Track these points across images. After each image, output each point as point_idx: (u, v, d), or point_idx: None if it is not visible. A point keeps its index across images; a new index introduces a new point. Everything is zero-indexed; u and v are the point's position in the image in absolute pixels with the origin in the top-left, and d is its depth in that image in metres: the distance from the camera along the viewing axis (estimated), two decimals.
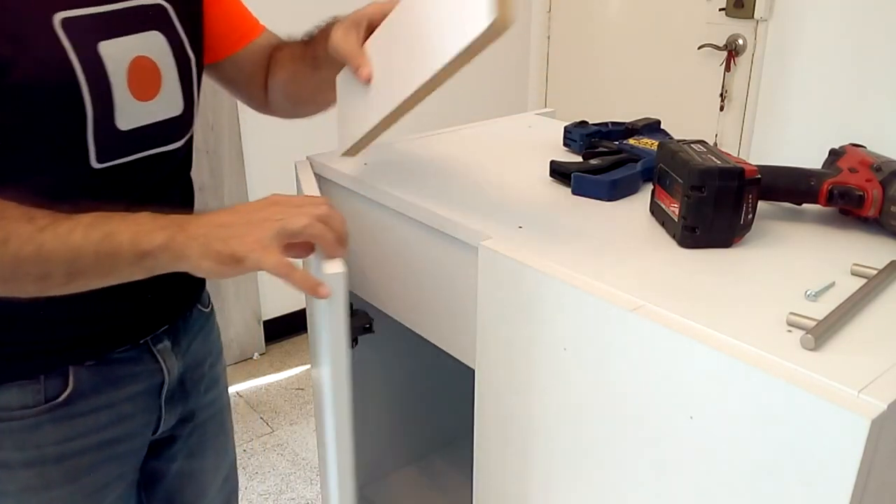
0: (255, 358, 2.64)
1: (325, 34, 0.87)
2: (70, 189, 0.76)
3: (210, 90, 2.32)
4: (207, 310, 1.00)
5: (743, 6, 2.27)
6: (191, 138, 0.89)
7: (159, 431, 0.93)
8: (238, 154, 2.43)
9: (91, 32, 0.73)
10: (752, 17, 2.25)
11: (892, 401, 0.49)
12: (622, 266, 0.70)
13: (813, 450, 0.51)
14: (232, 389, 2.47)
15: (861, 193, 0.76)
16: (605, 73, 2.77)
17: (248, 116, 2.37)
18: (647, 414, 0.62)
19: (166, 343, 0.89)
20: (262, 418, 2.33)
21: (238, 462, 2.12)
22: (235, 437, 2.19)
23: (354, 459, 0.78)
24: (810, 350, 0.55)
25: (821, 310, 0.59)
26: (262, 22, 1.01)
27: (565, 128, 1.05)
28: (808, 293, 0.63)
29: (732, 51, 2.35)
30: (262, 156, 2.49)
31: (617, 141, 1.00)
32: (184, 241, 0.66)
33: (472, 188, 0.91)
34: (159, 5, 0.81)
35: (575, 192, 0.88)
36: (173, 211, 0.70)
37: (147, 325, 0.87)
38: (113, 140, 0.77)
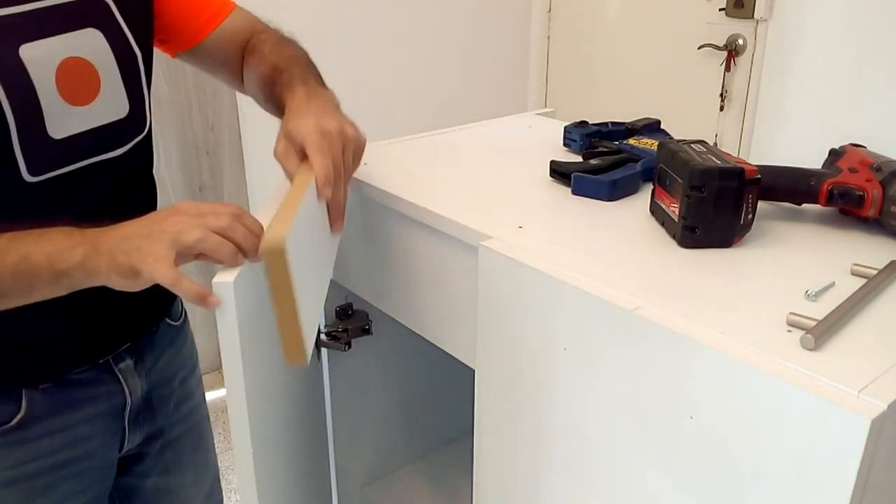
0: None
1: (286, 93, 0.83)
2: (3, 206, 0.71)
3: (210, 90, 2.33)
4: (178, 323, 0.96)
5: (743, 6, 2.26)
6: (145, 140, 0.83)
7: (124, 449, 0.89)
8: (238, 154, 2.43)
9: (10, 35, 0.68)
10: (752, 17, 2.25)
11: (892, 401, 0.49)
12: (622, 266, 0.70)
13: (813, 450, 0.51)
14: None
15: (861, 193, 0.76)
16: (605, 73, 2.77)
17: (248, 116, 2.37)
18: (647, 414, 0.62)
19: (129, 362, 0.85)
20: None
21: None
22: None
23: (354, 459, 0.78)
24: (810, 350, 0.55)
25: (821, 310, 0.59)
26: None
27: (565, 128, 1.05)
28: (808, 293, 0.63)
29: (732, 51, 2.34)
30: (262, 156, 2.49)
31: (617, 141, 0.99)
32: (94, 257, 0.64)
33: (472, 188, 0.91)
34: (102, 3, 0.75)
35: (575, 192, 0.88)
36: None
37: (107, 344, 0.83)
38: (45, 150, 0.71)
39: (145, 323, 0.89)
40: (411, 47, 2.68)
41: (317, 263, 0.75)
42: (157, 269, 0.62)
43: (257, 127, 2.42)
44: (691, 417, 0.58)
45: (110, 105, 0.76)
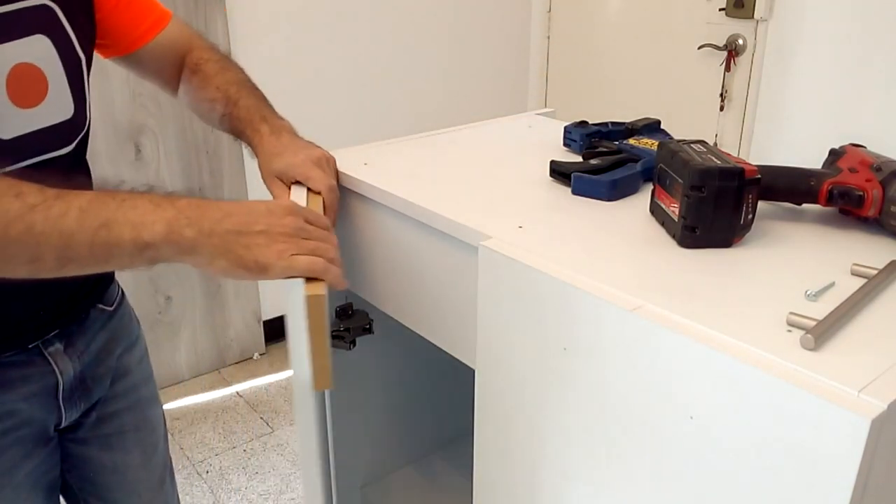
0: (255, 358, 2.64)
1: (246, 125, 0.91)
2: None
3: None
4: (112, 307, 0.97)
5: (743, 6, 2.27)
6: (84, 140, 0.86)
7: (63, 425, 0.92)
8: (238, 154, 2.43)
9: None
10: (752, 17, 2.25)
11: (892, 401, 0.49)
12: (622, 266, 0.70)
13: (813, 450, 0.51)
14: (232, 389, 2.47)
15: (861, 193, 0.76)
16: (605, 73, 2.77)
17: None
18: (647, 414, 0.62)
19: (58, 346, 0.88)
20: (262, 418, 2.33)
21: (238, 462, 2.12)
22: (235, 437, 2.18)
23: (354, 459, 0.78)
24: (810, 350, 0.55)
25: (821, 310, 0.59)
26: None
27: (565, 128, 1.05)
28: (808, 293, 0.63)
29: (732, 51, 2.35)
30: None
31: (617, 141, 0.99)
32: (194, 238, 0.65)
33: (472, 188, 0.91)
34: (45, 6, 0.77)
35: (575, 192, 0.88)
36: None
37: (36, 331, 0.85)
38: None
39: (74, 312, 0.91)
40: (411, 47, 2.68)
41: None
42: (295, 265, 0.68)
43: None
44: (691, 417, 0.58)
45: (56, 107, 0.79)
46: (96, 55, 0.91)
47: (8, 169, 0.75)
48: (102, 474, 1.00)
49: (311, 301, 0.66)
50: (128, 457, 1.01)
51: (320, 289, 0.66)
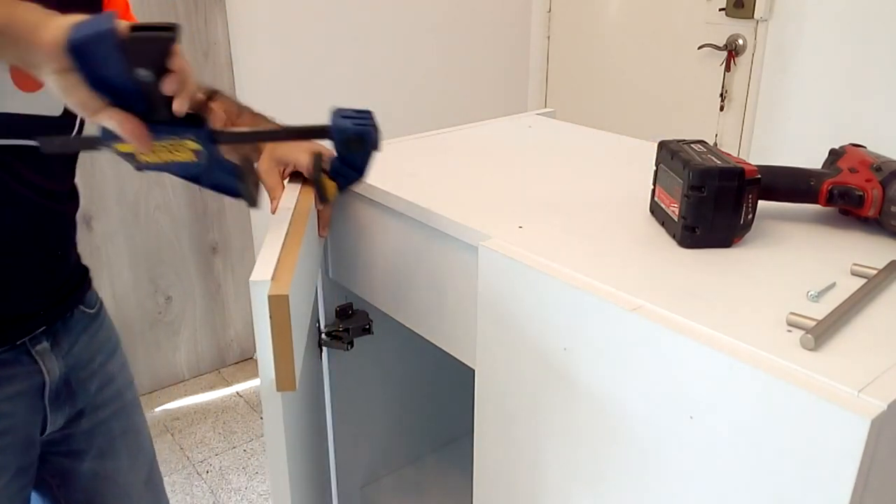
0: (254, 358, 2.64)
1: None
2: None
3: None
4: (93, 311, 0.99)
5: (743, 6, 2.26)
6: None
7: (48, 430, 0.93)
8: None
9: None
10: (752, 17, 2.25)
11: (892, 401, 0.49)
12: (622, 266, 0.70)
13: (813, 450, 0.51)
14: (232, 389, 2.47)
15: (861, 193, 0.76)
16: (605, 73, 2.77)
17: None
18: (647, 414, 0.62)
19: (45, 344, 0.89)
20: (262, 418, 2.33)
21: (238, 462, 2.12)
22: (235, 437, 2.18)
23: (354, 459, 0.78)
24: (810, 350, 0.55)
25: (821, 310, 0.59)
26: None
27: None
28: (809, 294, 0.63)
29: (732, 51, 2.34)
30: None
31: None
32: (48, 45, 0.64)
33: (472, 188, 0.91)
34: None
35: None
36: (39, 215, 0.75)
37: (23, 327, 0.87)
38: None
39: (60, 309, 0.92)
40: (411, 47, 2.68)
41: (307, 290, 0.83)
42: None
43: None
44: (691, 417, 0.58)
45: (48, 101, 0.81)
46: None
47: None
48: (94, 483, 1.00)
49: (274, 301, 0.66)
50: (117, 462, 1.02)
51: (283, 291, 0.67)
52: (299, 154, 0.90)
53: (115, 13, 0.65)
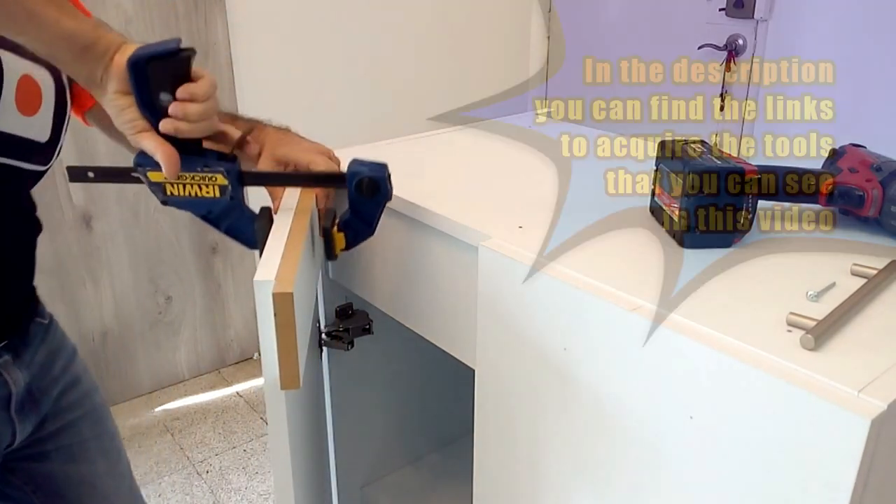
0: (255, 358, 2.64)
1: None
2: None
3: None
4: (46, 321, 1.00)
5: (743, 6, 2.26)
6: (38, 177, 0.89)
7: (17, 441, 0.93)
8: None
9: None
10: (752, 17, 2.25)
11: (892, 401, 0.49)
12: (622, 266, 0.70)
13: (813, 450, 0.51)
14: (232, 389, 2.47)
15: (861, 193, 0.76)
16: (606, 74, 2.77)
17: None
18: (647, 414, 0.62)
19: (7, 357, 0.90)
20: (262, 418, 2.33)
21: (238, 462, 2.12)
22: (235, 437, 2.18)
23: (354, 459, 0.78)
24: (810, 350, 0.55)
25: (821, 310, 0.59)
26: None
27: None
28: (809, 294, 0.63)
29: (732, 51, 2.35)
30: None
31: None
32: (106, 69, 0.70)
33: (472, 188, 0.91)
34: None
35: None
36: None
37: None
38: None
39: (18, 323, 0.93)
40: (411, 47, 2.68)
41: (309, 289, 0.83)
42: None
43: None
44: (691, 417, 0.58)
45: (39, 126, 0.84)
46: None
47: None
48: (71, 488, 1.00)
49: (278, 299, 0.66)
50: (93, 466, 1.02)
51: (288, 287, 0.67)
52: (300, 154, 0.90)
53: (179, 39, 0.70)
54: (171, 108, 0.71)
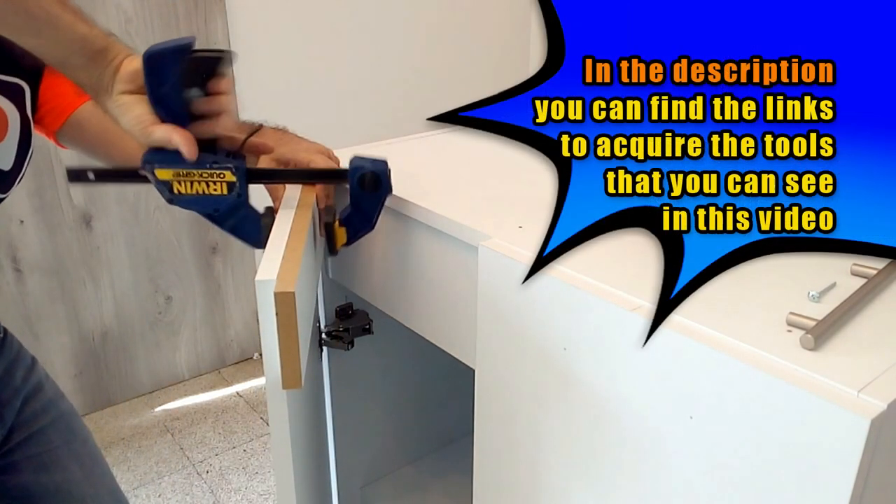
0: (255, 358, 2.64)
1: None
2: None
3: None
4: (3, 336, 1.00)
5: None
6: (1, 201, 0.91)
7: None
8: None
9: None
10: None
11: (892, 401, 0.49)
12: (622, 266, 0.70)
13: (813, 450, 0.51)
14: (232, 389, 2.47)
15: None
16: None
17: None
18: (647, 414, 0.62)
19: None
20: (262, 418, 2.33)
21: (238, 462, 2.12)
22: (235, 437, 2.18)
23: (354, 459, 0.78)
24: (810, 350, 0.55)
25: (821, 310, 0.59)
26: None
27: None
28: (809, 294, 0.63)
29: None
30: None
31: None
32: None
33: (472, 188, 0.91)
34: (17, 84, 0.86)
35: None
36: None
37: None
38: None
39: None
40: (411, 47, 2.68)
41: (310, 289, 0.84)
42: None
43: None
44: (691, 417, 0.58)
45: (2, 155, 0.85)
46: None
47: None
48: (47, 497, 0.99)
49: (280, 298, 0.66)
50: (66, 473, 1.01)
51: (289, 286, 0.67)
52: (300, 153, 0.90)
53: (193, 38, 0.71)
54: (210, 103, 0.72)
